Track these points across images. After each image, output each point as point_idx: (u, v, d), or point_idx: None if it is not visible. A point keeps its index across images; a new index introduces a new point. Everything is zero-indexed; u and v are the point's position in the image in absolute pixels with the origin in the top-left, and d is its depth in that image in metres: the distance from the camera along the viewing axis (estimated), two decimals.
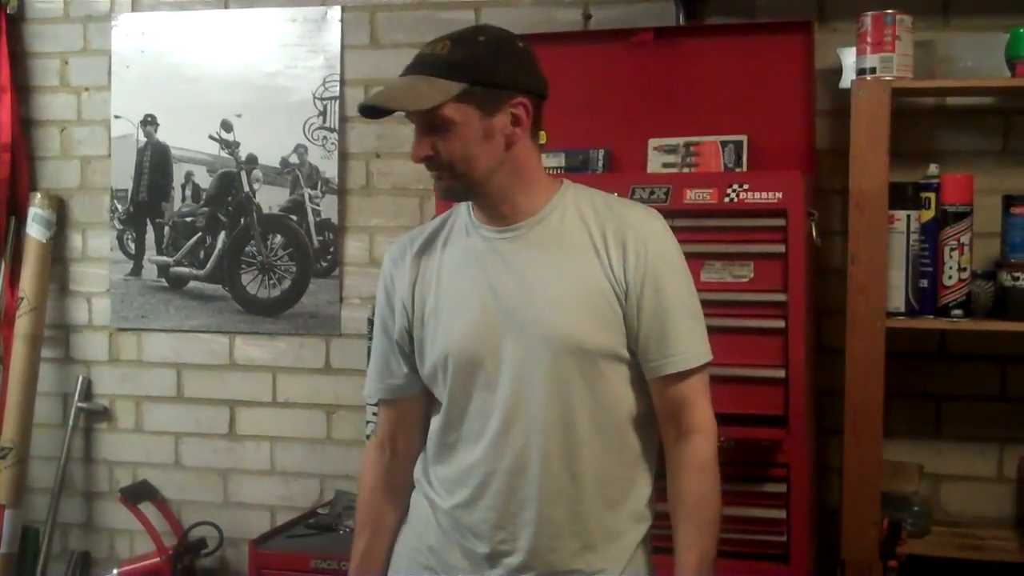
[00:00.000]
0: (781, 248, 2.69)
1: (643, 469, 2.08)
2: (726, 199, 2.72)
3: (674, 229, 2.08)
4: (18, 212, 3.92)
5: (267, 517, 3.77)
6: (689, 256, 2.10)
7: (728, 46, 3.14)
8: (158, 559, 3.63)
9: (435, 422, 2.12)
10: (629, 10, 3.34)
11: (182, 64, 3.81)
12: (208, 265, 3.82)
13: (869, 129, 2.79)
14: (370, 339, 2.27)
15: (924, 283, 2.86)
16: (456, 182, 2.00)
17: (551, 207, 2.04)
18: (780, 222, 2.69)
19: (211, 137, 3.78)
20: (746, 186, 2.72)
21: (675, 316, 2.01)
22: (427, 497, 2.13)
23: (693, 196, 2.75)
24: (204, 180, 3.80)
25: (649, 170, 3.06)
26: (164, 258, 3.86)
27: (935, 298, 2.86)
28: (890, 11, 2.83)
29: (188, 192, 3.82)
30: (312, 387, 3.75)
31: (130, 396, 3.93)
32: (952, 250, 2.82)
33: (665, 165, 3.06)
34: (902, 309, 2.87)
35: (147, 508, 3.75)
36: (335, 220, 3.68)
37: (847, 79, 3.01)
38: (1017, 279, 2.81)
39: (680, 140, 3.06)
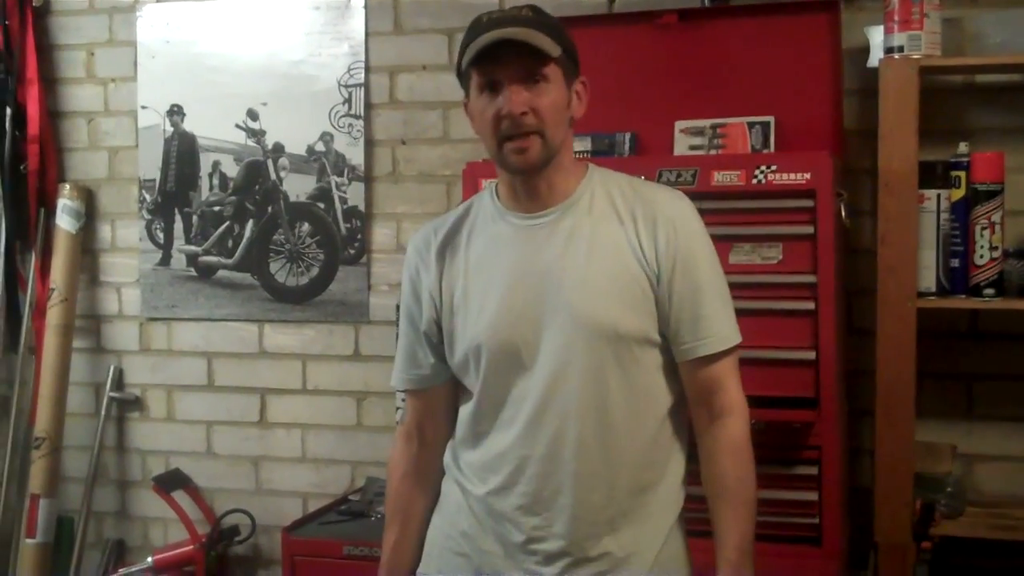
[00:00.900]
0: (810, 229, 2.68)
1: (676, 451, 2.08)
2: (754, 181, 2.71)
3: (702, 212, 2.09)
4: (47, 204, 3.94)
5: (299, 504, 3.79)
6: (717, 238, 2.09)
7: (754, 26, 3.12)
8: (192, 547, 3.65)
9: (465, 409, 2.12)
10: None
11: (207, 54, 3.82)
12: (236, 254, 3.83)
13: (897, 108, 2.77)
14: (398, 326, 2.27)
15: (955, 262, 2.83)
16: (543, 148, 1.97)
17: (580, 191, 2.04)
18: (808, 203, 2.68)
19: (237, 126, 3.79)
20: (774, 167, 2.70)
21: (706, 298, 2.01)
22: (458, 483, 2.13)
23: (720, 178, 2.74)
24: (231, 169, 3.81)
25: (676, 153, 3.04)
26: (193, 247, 3.88)
27: (966, 277, 2.83)
28: None
29: (215, 181, 3.84)
30: (342, 374, 3.76)
31: (161, 385, 3.95)
32: (983, 229, 2.79)
33: (692, 147, 3.05)
34: (933, 289, 2.84)
35: (180, 496, 3.78)
36: (362, 207, 3.69)
37: (875, 58, 2.98)
38: None
39: (707, 122, 3.04)
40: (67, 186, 3.92)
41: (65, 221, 3.89)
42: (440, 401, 2.19)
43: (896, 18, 2.82)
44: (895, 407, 2.78)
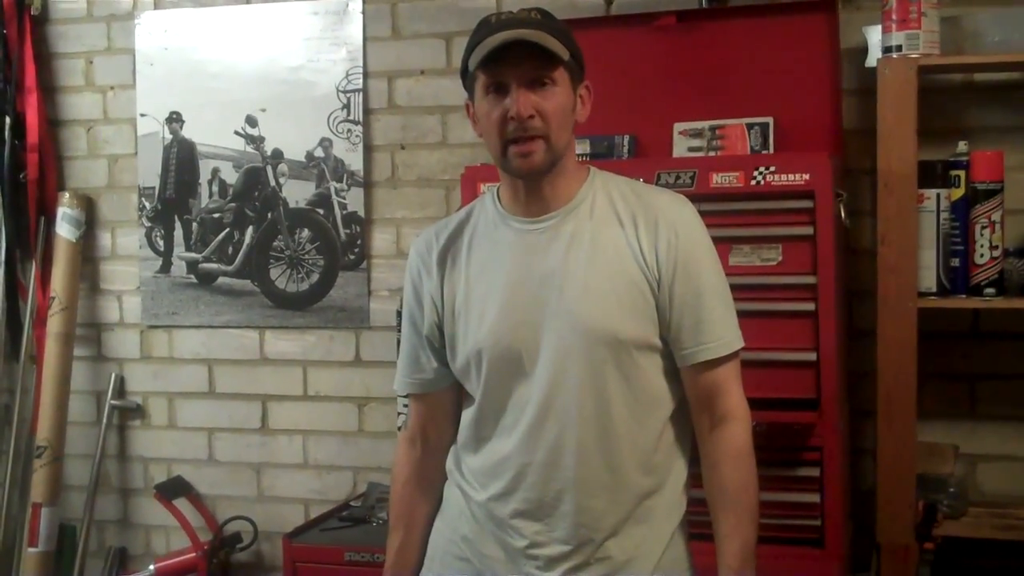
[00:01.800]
0: (809, 230, 2.67)
1: (678, 456, 2.07)
2: (753, 182, 2.70)
3: (701, 214, 2.08)
4: (47, 212, 3.94)
5: (301, 510, 3.78)
6: (717, 240, 2.09)
7: (752, 27, 3.12)
8: (194, 554, 3.65)
9: (467, 414, 2.12)
10: None
11: (205, 60, 3.82)
12: (236, 260, 3.83)
13: (896, 108, 2.76)
14: (399, 331, 2.26)
15: (955, 262, 2.83)
16: (548, 151, 1.96)
17: (582, 195, 2.04)
18: (808, 204, 2.67)
19: (236, 132, 3.79)
20: (773, 168, 2.70)
21: (707, 303, 2.00)
22: (460, 488, 2.13)
23: (719, 180, 2.73)
24: (230, 176, 3.81)
25: (675, 155, 3.04)
26: (193, 255, 3.87)
27: (967, 277, 2.82)
28: None
29: (215, 188, 3.84)
30: (343, 380, 3.76)
31: (162, 392, 3.95)
32: (983, 228, 2.79)
33: (691, 149, 3.04)
34: (933, 289, 2.84)
35: (182, 504, 3.78)
36: (361, 213, 3.68)
37: (873, 58, 2.98)
38: None
39: (705, 124, 3.04)
40: (67, 194, 3.92)
41: (65, 229, 3.89)
42: (443, 405, 2.18)
43: (894, 17, 2.82)
44: (897, 408, 2.77)
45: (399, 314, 2.35)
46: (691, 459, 2.10)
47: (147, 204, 3.90)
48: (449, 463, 2.18)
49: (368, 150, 3.68)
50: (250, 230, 3.81)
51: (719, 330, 2.01)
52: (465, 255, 2.09)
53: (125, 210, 3.96)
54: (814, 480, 2.70)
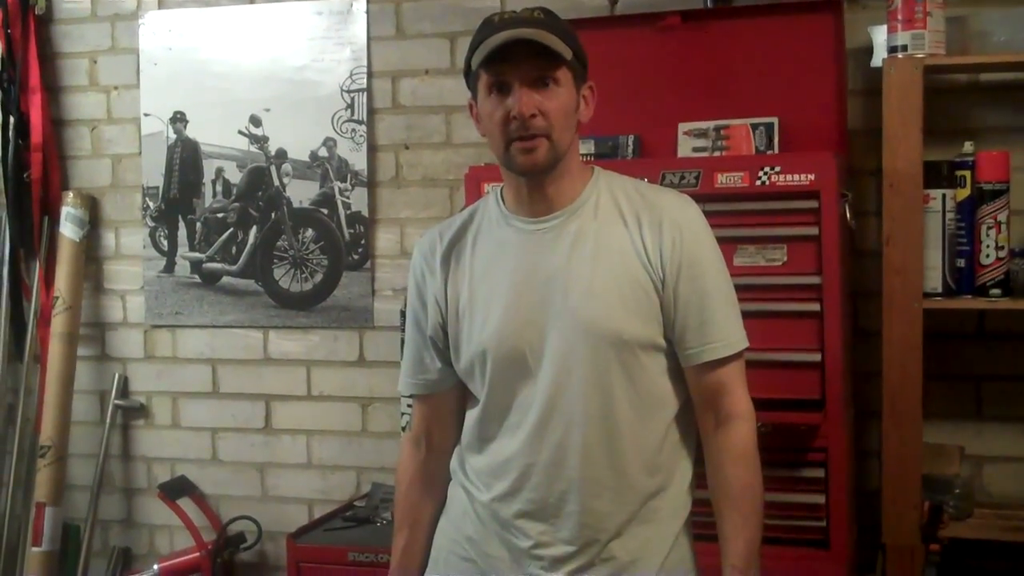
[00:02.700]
0: (814, 230, 2.67)
1: (683, 456, 2.07)
2: (758, 182, 2.70)
3: (706, 214, 2.08)
4: (51, 212, 3.95)
5: (305, 510, 3.78)
6: (721, 240, 2.08)
7: (757, 27, 3.11)
8: (198, 554, 3.65)
9: (471, 415, 2.11)
10: None
11: (209, 60, 3.82)
12: (240, 260, 3.83)
13: (902, 108, 2.76)
14: (403, 331, 2.26)
15: (961, 263, 2.82)
16: (550, 150, 1.96)
17: (586, 196, 2.04)
18: (813, 204, 2.66)
19: (240, 132, 3.79)
20: (778, 168, 2.69)
21: (712, 303, 2.00)
22: (464, 488, 2.13)
23: (724, 180, 2.72)
24: (234, 175, 3.81)
25: (679, 155, 3.03)
26: (196, 254, 3.87)
27: (972, 277, 2.82)
28: None
29: (219, 188, 3.84)
30: (347, 380, 3.75)
31: (166, 392, 3.95)
32: (989, 228, 2.78)
33: (695, 149, 3.03)
34: (939, 289, 2.83)
35: (185, 503, 3.78)
36: (365, 213, 3.68)
37: (878, 58, 2.97)
38: None
39: (710, 124, 3.03)
40: (71, 194, 3.92)
41: (69, 229, 3.89)
42: (447, 406, 2.18)
43: (900, 17, 2.81)
44: (902, 408, 2.76)
45: (403, 314, 2.34)
46: (696, 459, 2.09)
47: (151, 204, 3.90)
48: (453, 463, 2.17)
49: (372, 150, 3.68)
50: (254, 230, 3.81)
51: (724, 330, 2.01)
52: (469, 255, 2.09)
53: (129, 210, 3.96)
54: (819, 481, 2.70)
